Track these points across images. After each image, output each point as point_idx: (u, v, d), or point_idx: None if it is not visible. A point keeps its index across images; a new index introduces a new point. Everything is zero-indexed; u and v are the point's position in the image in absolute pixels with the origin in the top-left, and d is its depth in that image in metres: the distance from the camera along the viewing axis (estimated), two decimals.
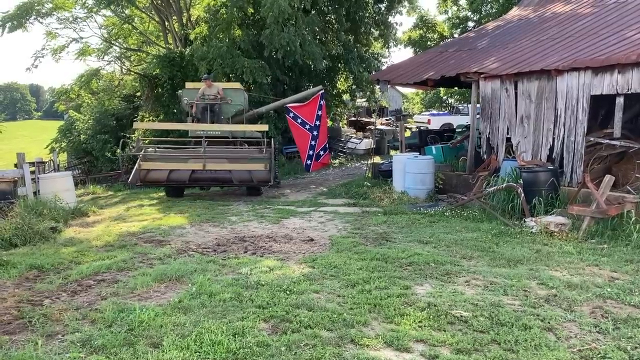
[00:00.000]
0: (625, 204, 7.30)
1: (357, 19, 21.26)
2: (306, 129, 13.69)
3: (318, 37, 20.39)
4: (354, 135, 25.67)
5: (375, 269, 5.62)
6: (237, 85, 14.79)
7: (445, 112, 31.43)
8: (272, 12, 15.17)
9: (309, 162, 13.99)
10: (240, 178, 11.96)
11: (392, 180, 12.11)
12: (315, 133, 13.75)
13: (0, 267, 5.88)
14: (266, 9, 15.33)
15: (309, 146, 13.78)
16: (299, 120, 13.66)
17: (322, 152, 14.18)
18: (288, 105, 14.09)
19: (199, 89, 13.62)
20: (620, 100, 8.72)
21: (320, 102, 13.71)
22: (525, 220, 8.03)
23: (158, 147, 13.27)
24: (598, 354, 3.59)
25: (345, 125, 29.26)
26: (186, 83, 14.98)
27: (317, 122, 13.71)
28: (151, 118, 21.46)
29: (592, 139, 9.49)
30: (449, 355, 3.58)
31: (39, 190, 10.41)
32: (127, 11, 25.06)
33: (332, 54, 21.11)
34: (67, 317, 4.26)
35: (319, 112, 13.73)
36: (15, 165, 10.83)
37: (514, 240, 7.14)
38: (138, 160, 11.87)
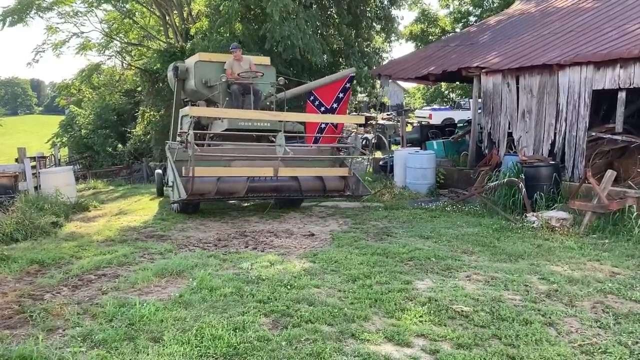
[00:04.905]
0: (626, 199, 7.29)
1: (358, 13, 21.21)
2: (321, 111, 12.22)
3: (319, 31, 20.35)
4: (355, 130, 25.64)
5: (376, 264, 5.62)
6: (267, 60, 11.59)
7: (447, 107, 31.32)
8: (277, 7, 15.15)
9: None
10: (309, 187, 9.21)
11: (393, 175, 12.11)
12: None
13: (1, 262, 5.88)
14: (271, 4, 15.31)
15: (317, 129, 11.94)
16: (317, 103, 12.27)
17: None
18: (313, 89, 12.26)
19: (220, 62, 10.51)
20: (622, 95, 8.69)
21: (345, 84, 12.35)
22: (527, 215, 8.01)
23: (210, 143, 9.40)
24: (599, 349, 3.59)
25: None
26: (199, 53, 11.47)
27: (335, 105, 12.30)
28: (152, 113, 21.45)
29: (593, 134, 9.46)
30: (449, 350, 3.58)
31: (40, 185, 10.41)
32: (127, 5, 25.03)
33: (333, 48, 21.06)
34: (68, 312, 4.26)
35: (340, 95, 12.32)
36: (17, 160, 10.84)
37: (515, 235, 7.13)
38: (180, 162, 8.33)
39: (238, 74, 9.98)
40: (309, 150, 9.93)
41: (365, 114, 30.79)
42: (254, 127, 9.62)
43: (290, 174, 8.96)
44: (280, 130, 8.73)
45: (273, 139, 8.80)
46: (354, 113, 30.95)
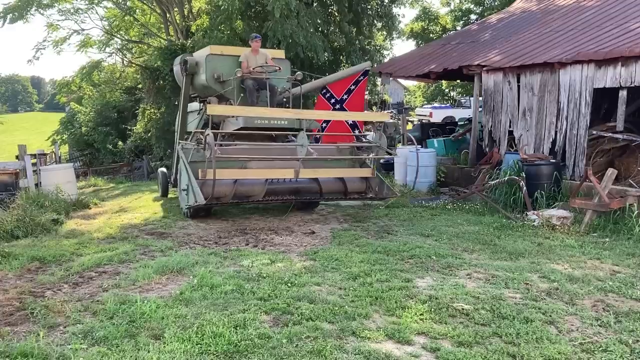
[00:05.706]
0: (627, 198, 7.29)
1: (359, 10, 21.18)
2: (330, 102, 11.78)
3: (320, 28, 20.34)
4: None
5: (376, 262, 5.62)
6: (281, 53, 10.95)
7: (448, 105, 31.31)
8: (278, 5, 15.11)
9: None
10: (330, 188, 8.80)
11: (393, 173, 12.10)
12: (337, 107, 11.87)
13: (2, 259, 5.88)
14: (272, 1, 15.28)
15: (322, 122, 11.54)
16: (327, 95, 11.82)
17: None
18: (327, 84, 11.81)
19: (232, 55, 9.74)
20: (623, 94, 8.68)
21: (359, 77, 11.89)
22: (527, 213, 8.02)
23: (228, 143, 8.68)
24: (599, 348, 3.59)
25: None
26: (210, 46, 10.41)
27: (345, 96, 11.82)
28: (153, 110, 21.44)
29: (594, 132, 9.46)
30: (450, 348, 3.58)
31: (40, 182, 10.43)
32: (128, 3, 24.99)
33: (334, 46, 21.03)
34: (69, 309, 4.26)
35: (352, 87, 11.87)
36: (17, 157, 10.84)
37: (516, 233, 7.13)
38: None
39: (253, 68, 9.32)
40: (330, 150, 9.34)
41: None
42: (270, 125, 8.93)
43: (311, 175, 8.44)
44: (302, 129, 8.15)
45: (293, 137, 8.40)
46: None
